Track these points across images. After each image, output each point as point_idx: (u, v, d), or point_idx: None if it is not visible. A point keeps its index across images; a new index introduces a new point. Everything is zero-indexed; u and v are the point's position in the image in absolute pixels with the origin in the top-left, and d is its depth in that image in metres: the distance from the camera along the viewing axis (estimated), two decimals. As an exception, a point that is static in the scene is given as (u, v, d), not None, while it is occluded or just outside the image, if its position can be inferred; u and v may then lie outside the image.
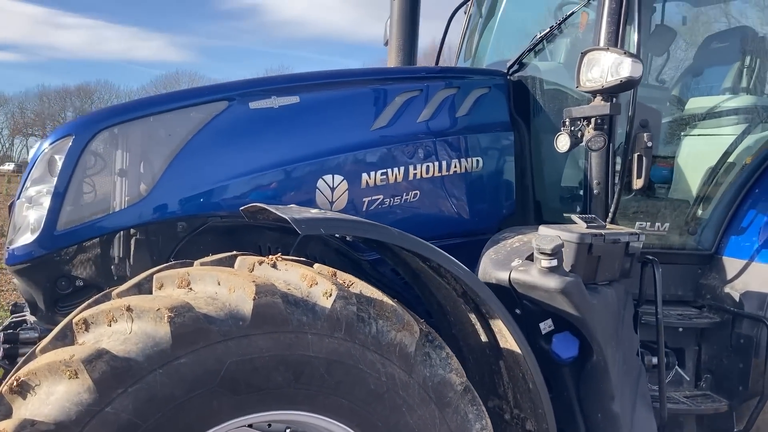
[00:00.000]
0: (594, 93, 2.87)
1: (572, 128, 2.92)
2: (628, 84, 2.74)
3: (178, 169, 2.79)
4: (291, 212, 2.32)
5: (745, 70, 3.79)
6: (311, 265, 2.33)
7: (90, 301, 2.40)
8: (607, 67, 2.75)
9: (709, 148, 3.53)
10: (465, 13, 4.68)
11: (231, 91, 2.95)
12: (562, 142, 2.91)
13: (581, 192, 3.28)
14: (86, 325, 2.07)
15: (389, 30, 4.27)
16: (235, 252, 2.49)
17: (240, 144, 2.90)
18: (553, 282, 2.49)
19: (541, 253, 2.47)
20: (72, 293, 2.84)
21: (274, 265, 2.26)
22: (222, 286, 2.10)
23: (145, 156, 2.80)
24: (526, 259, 2.65)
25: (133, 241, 2.85)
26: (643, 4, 3.08)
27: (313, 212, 2.47)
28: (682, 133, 3.64)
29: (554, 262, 2.46)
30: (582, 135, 2.90)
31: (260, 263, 2.29)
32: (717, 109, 3.66)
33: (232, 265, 2.37)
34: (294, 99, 2.99)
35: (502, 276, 2.65)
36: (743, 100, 3.68)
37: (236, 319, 1.98)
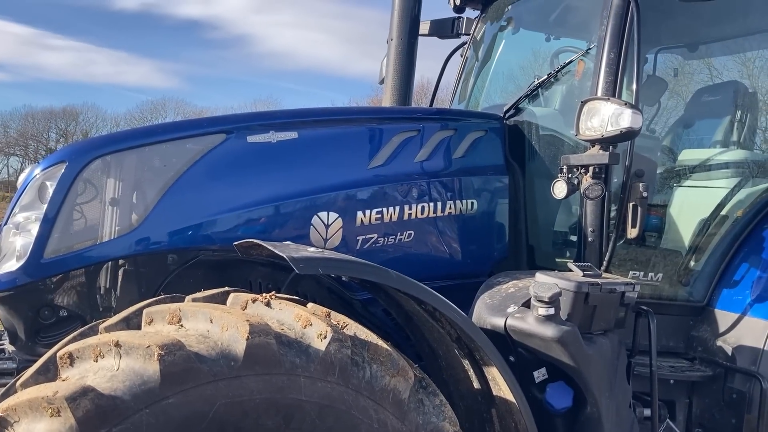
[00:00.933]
0: (593, 142, 2.89)
1: (569, 175, 2.93)
2: (628, 134, 2.77)
3: (171, 201, 2.74)
4: (288, 250, 2.27)
5: (736, 124, 3.85)
6: (305, 305, 2.28)
7: (75, 334, 2.33)
8: (607, 117, 2.77)
9: (701, 200, 3.55)
10: (461, 55, 4.72)
11: (229, 124, 2.92)
12: (559, 189, 2.91)
13: (574, 238, 3.28)
14: (71, 359, 1.99)
15: (385, 69, 4.27)
16: (227, 288, 2.43)
17: (236, 178, 2.86)
18: (550, 331, 2.46)
19: (539, 300, 2.44)
20: (54, 323, 2.76)
21: (268, 304, 2.21)
22: (214, 323, 2.04)
23: (138, 186, 2.75)
24: (521, 305, 2.62)
25: (121, 272, 2.79)
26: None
27: (311, 251, 2.43)
28: (674, 184, 3.66)
29: (551, 311, 2.44)
30: (579, 183, 2.91)
31: (254, 301, 2.24)
32: (709, 162, 3.70)
33: (224, 302, 2.31)
34: (292, 134, 2.98)
35: (498, 322, 2.62)
36: (735, 154, 3.73)
37: (228, 359, 1.92)
